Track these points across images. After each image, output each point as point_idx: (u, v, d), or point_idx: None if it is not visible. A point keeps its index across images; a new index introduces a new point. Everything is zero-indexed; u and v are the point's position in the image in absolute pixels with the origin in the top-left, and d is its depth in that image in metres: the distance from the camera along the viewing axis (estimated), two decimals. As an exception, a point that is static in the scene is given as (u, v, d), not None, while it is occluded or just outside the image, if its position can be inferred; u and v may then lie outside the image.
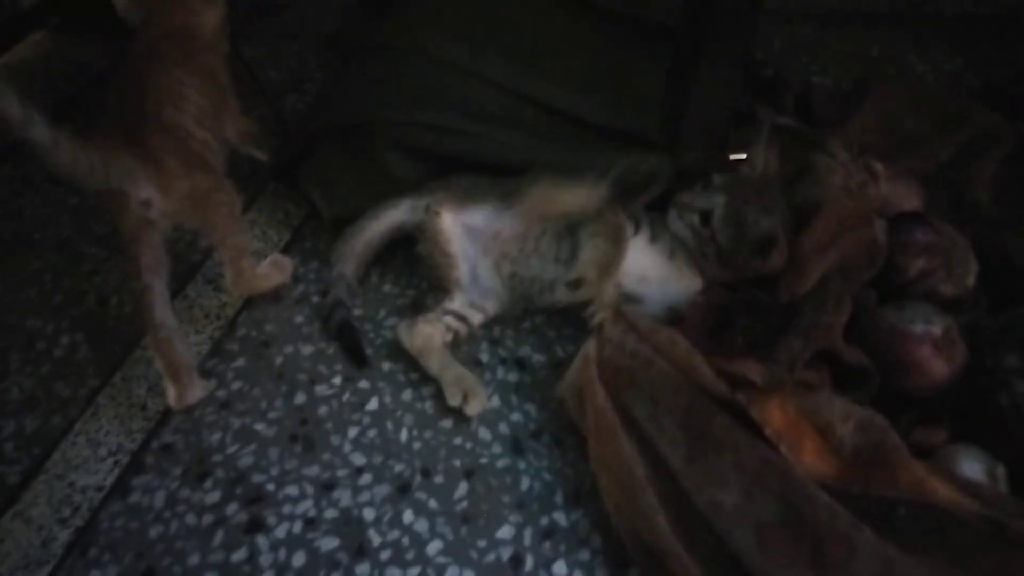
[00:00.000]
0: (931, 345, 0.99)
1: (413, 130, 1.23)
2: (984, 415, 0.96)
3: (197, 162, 1.11)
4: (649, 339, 1.01)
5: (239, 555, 0.97)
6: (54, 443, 1.08)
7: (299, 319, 1.23)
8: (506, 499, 1.01)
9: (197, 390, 1.10)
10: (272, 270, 1.25)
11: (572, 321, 1.17)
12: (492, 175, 1.20)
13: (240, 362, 1.18)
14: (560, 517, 0.99)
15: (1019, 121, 1.27)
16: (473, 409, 1.08)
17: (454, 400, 1.08)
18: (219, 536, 0.99)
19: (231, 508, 1.01)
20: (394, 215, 1.22)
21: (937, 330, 0.99)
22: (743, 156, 1.26)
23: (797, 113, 1.36)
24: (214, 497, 1.02)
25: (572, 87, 1.28)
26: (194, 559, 0.97)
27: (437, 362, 1.12)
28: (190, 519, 1.00)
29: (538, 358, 1.16)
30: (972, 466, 0.93)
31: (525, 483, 1.02)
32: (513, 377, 1.14)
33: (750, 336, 1.06)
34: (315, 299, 1.25)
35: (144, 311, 1.06)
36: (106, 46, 1.72)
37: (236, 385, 1.15)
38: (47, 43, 1.81)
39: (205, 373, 1.15)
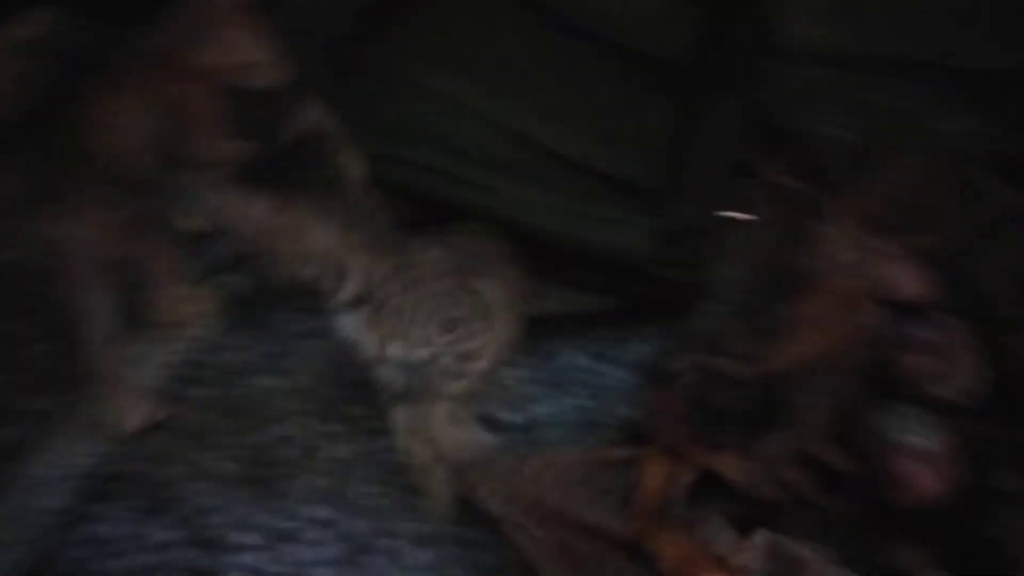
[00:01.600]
0: (924, 460, 0.89)
1: (390, 167, 1.13)
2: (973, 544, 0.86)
3: None
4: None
5: None
6: None
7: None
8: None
9: None
10: None
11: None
12: None
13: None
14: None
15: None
16: None
17: None
18: None
19: None
20: None
21: (935, 444, 0.90)
22: (739, 215, 1.18)
23: (801, 170, 1.26)
24: None
25: (572, 128, 1.18)
26: None
27: None
28: None
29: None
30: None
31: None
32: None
33: (729, 420, 0.97)
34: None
35: None
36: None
37: None
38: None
39: None
